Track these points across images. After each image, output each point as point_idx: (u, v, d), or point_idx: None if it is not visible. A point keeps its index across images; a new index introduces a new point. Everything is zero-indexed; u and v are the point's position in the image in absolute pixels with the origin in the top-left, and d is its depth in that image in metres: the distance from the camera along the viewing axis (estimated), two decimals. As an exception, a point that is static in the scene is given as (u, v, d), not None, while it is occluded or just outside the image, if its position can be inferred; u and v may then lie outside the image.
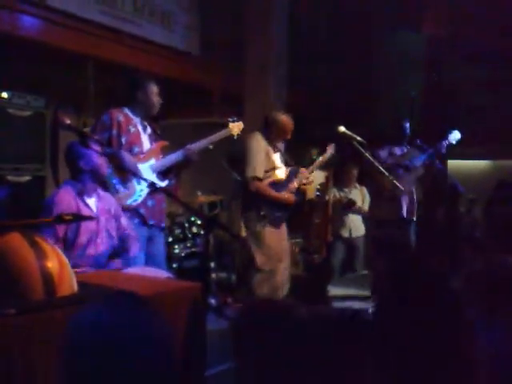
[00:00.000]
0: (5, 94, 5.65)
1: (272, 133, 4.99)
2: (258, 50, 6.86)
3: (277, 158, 5.04)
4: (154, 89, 4.15)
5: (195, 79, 7.43)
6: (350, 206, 6.87)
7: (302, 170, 5.14)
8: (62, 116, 3.37)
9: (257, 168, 4.86)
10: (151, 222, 4.07)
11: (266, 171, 4.93)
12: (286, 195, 4.96)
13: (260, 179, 4.86)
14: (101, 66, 6.29)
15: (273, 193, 4.90)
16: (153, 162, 4.10)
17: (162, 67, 6.86)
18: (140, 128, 4.13)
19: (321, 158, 5.25)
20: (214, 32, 7.64)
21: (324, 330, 1.62)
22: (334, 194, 6.88)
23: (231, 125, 4.46)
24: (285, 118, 5.00)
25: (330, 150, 5.25)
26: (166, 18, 6.98)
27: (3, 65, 5.47)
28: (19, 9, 5.30)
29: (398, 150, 5.75)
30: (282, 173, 5.05)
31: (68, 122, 3.25)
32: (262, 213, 4.87)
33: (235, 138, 4.52)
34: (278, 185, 4.97)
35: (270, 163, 4.94)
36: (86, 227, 3.28)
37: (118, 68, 6.50)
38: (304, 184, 5.22)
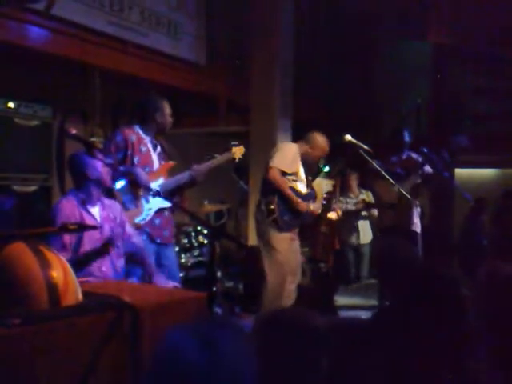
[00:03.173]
0: (11, 104, 5.66)
1: (307, 148, 4.98)
2: (264, 59, 6.86)
3: (301, 170, 5.01)
4: (168, 109, 4.24)
5: (201, 89, 7.43)
6: (368, 207, 6.84)
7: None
8: (68, 126, 3.38)
9: (283, 162, 4.82)
10: (158, 241, 4.11)
11: (290, 174, 4.89)
12: (299, 200, 4.86)
13: (283, 173, 4.82)
14: (107, 75, 6.30)
15: (288, 189, 4.82)
16: (161, 181, 4.14)
17: (168, 77, 6.87)
18: (150, 147, 4.18)
19: None
20: (221, 41, 7.65)
21: (343, 337, 1.61)
22: (345, 204, 6.89)
23: (234, 149, 4.52)
24: (323, 142, 5.00)
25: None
26: (172, 28, 6.99)
27: (10, 74, 5.48)
28: (26, 19, 5.31)
29: (393, 158, 5.60)
30: (302, 187, 5.00)
31: (74, 131, 3.25)
32: (271, 206, 4.79)
33: (237, 161, 4.59)
34: (295, 194, 4.92)
35: (294, 168, 4.90)
36: (90, 236, 3.24)
37: (125, 77, 6.53)
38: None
